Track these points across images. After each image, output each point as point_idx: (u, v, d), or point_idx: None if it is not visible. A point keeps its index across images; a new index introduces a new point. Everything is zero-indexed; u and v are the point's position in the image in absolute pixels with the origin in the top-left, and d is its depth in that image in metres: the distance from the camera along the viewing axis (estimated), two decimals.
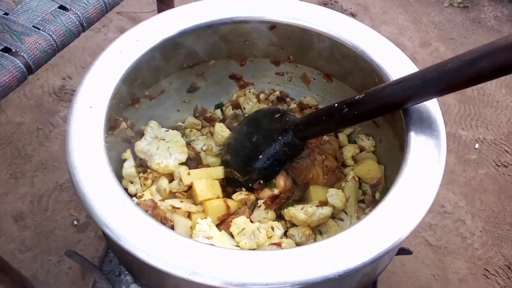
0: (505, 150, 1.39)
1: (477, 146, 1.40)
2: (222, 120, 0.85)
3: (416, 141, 0.59)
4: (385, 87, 0.60)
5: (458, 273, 1.15)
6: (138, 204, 0.64)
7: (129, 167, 0.72)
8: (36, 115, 1.35)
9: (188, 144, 0.80)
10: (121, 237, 0.47)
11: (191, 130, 0.83)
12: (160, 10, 1.11)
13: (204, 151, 0.80)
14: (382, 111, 0.62)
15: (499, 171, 1.35)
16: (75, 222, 1.15)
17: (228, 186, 0.75)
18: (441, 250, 1.19)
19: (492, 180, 1.32)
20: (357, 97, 0.61)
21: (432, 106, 0.61)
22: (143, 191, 0.72)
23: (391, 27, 1.68)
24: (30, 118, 1.34)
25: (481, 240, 1.21)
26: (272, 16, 0.73)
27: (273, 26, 0.74)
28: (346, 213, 0.73)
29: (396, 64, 0.66)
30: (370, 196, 0.74)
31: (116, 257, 0.77)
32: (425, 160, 0.57)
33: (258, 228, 0.65)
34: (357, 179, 0.75)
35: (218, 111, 0.87)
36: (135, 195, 0.71)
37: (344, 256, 0.49)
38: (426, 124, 0.59)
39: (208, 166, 0.78)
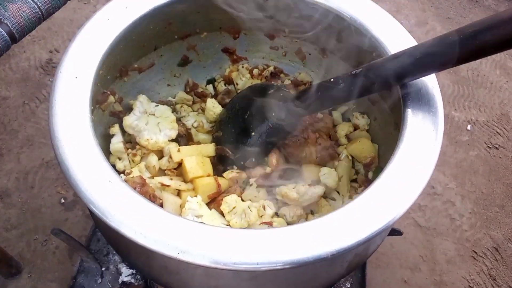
0: (497, 132, 1.39)
1: (469, 127, 1.40)
2: (214, 96, 0.83)
3: (413, 118, 0.57)
4: (383, 61, 0.58)
5: (446, 254, 1.16)
6: (126, 181, 0.62)
7: (117, 142, 0.69)
8: (22, 89, 1.31)
9: (179, 120, 0.78)
10: (107, 214, 0.45)
11: (181, 106, 0.81)
12: None
13: (195, 127, 0.78)
14: (380, 87, 0.60)
15: (490, 153, 1.35)
16: (62, 200, 1.13)
17: (219, 164, 0.73)
18: (429, 231, 1.19)
19: (482, 162, 1.32)
20: (354, 72, 0.59)
21: (430, 82, 0.59)
22: (132, 168, 0.70)
23: (388, 4, 1.65)
24: (16, 92, 1.30)
25: (470, 222, 1.22)
26: None
27: None
28: (338, 192, 0.72)
29: (395, 37, 0.64)
30: (363, 175, 0.73)
31: (103, 236, 0.75)
32: (422, 139, 0.56)
33: (249, 207, 0.63)
34: (350, 158, 0.74)
35: (210, 87, 0.84)
36: (123, 172, 0.69)
37: (336, 235, 0.48)
38: (424, 101, 0.57)
39: (199, 143, 0.76)
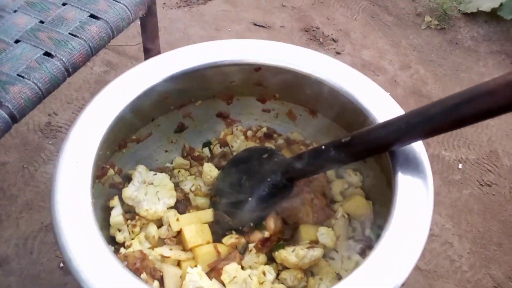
0: (488, 169, 1.42)
1: (460, 166, 1.43)
2: (210, 159, 0.86)
3: (404, 182, 0.60)
4: (371, 130, 0.61)
5: None
6: (126, 256, 0.63)
7: (116, 215, 0.71)
8: (21, 153, 1.33)
9: (177, 185, 0.80)
10: None
11: (179, 171, 0.83)
12: (144, 43, 1.12)
13: (193, 191, 0.80)
14: (369, 153, 0.63)
15: (483, 190, 1.37)
16: (61, 265, 1.13)
17: (218, 228, 0.74)
18: (430, 274, 1.20)
19: (476, 200, 1.35)
20: (343, 140, 0.62)
21: (417, 147, 0.62)
22: (132, 239, 0.71)
23: (371, 51, 1.72)
24: (15, 157, 1.32)
25: (469, 262, 1.22)
26: (256, 59, 0.74)
27: (258, 68, 0.75)
28: (337, 251, 0.73)
29: (380, 104, 0.68)
30: (360, 233, 0.75)
31: None
32: (414, 201, 0.59)
33: (249, 276, 0.64)
34: (346, 216, 0.76)
35: (206, 150, 0.87)
36: (123, 243, 0.70)
37: None
38: (412, 166, 0.60)
39: (197, 207, 0.78)
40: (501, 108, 0.50)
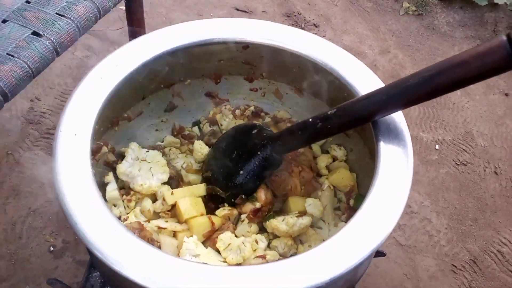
0: (463, 149, 1.49)
1: (437, 147, 1.49)
2: (200, 137, 0.88)
3: (386, 150, 0.64)
4: (354, 102, 0.64)
5: (428, 270, 1.22)
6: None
7: (112, 190, 0.73)
8: (4, 139, 1.33)
9: (168, 162, 0.82)
10: (117, 264, 0.49)
11: (170, 149, 0.85)
12: (130, 27, 1.13)
13: (184, 169, 0.82)
14: (353, 124, 0.67)
15: (458, 169, 1.44)
16: (52, 248, 1.14)
17: (211, 202, 0.77)
18: (410, 249, 1.25)
19: (453, 178, 1.41)
20: (329, 112, 0.66)
21: (397, 117, 0.66)
22: (127, 213, 0.73)
23: (352, 36, 1.76)
24: None
25: (447, 237, 1.29)
26: (244, 37, 0.77)
27: (246, 46, 0.77)
28: (324, 221, 0.77)
29: (362, 78, 0.71)
30: (345, 203, 0.79)
31: (109, 285, 0.77)
32: (395, 168, 0.62)
33: (243, 243, 0.67)
34: (332, 188, 0.79)
35: (196, 129, 0.89)
36: (119, 218, 0.72)
37: (328, 265, 0.53)
38: (393, 135, 0.64)
39: (189, 183, 0.80)
40: (472, 78, 0.54)
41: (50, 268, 1.11)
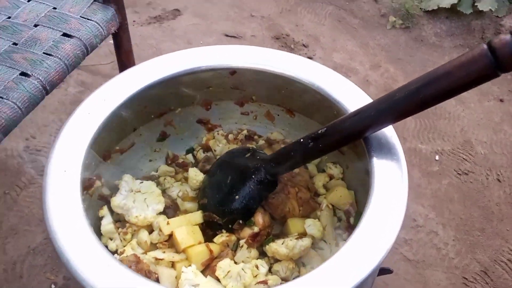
0: (464, 159, 1.48)
1: (437, 157, 1.48)
2: (195, 164, 0.87)
3: (379, 166, 0.63)
4: (344, 120, 0.64)
5: (439, 284, 1.18)
6: (120, 260, 0.64)
7: (107, 224, 0.72)
8: (1, 179, 1.32)
9: (164, 192, 0.81)
10: None
11: (165, 178, 0.84)
12: (119, 61, 1.14)
13: (180, 197, 0.81)
14: (345, 142, 0.66)
15: (461, 179, 1.42)
16: (53, 286, 1.12)
17: (208, 229, 0.76)
18: (419, 264, 1.23)
19: (456, 189, 1.39)
20: (319, 131, 0.65)
21: (388, 132, 0.65)
22: (124, 246, 0.72)
23: (341, 53, 1.78)
24: None
25: (455, 249, 1.26)
26: (231, 63, 0.77)
27: (233, 71, 0.78)
28: (325, 241, 0.76)
29: (350, 96, 0.71)
30: (345, 221, 0.78)
31: None
32: (390, 182, 0.62)
33: (243, 269, 0.66)
34: (331, 207, 0.78)
35: (190, 156, 0.89)
36: (116, 251, 0.71)
37: (330, 285, 0.51)
38: (385, 149, 0.63)
39: (186, 211, 0.79)
40: (458, 88, 0.54)
41: None
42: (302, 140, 0.67)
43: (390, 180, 0.61)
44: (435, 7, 1.80)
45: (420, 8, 1.85)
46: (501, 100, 1.66)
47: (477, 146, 1.51)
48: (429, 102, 0.56)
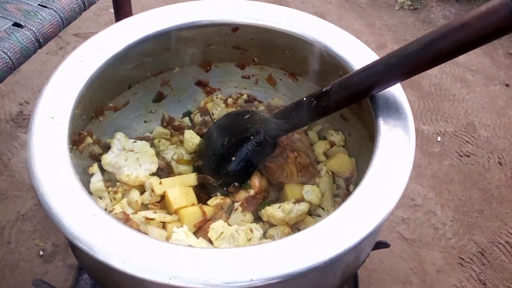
0: (466, 141, 1.45)
1: (439, 139, 1.45)
2: (191, 128, 0.84)
3: (385, 126, 0.60)
4: (351, 76, 0.61)
5: (434, 264, 1.17)
6: None
7: (96, 181, 0.69)
8: None
9: (158, 154, 0.78)
10: (93, 247, 0.45)
11: (159, 140, 0.81)
12: (117, 12, 1.09)
13: (175, 160, 0.78)
14: (350, 100, 0.63)
15: (462, 161, 1.40)
16: (41, 253, 1.09)
17: (202, 192, 0.73)
18: (416, 243, 1.21)
19: (456, 170, 1.37)
20: (324, 89, 0.62)
21: (397, 91, 0.62)
22: (114, 206, 0.69)
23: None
24: None
25: (453, 229, 1.24)
26: (234, 18, 0.73)
27: (235, 28, 0.74)
28: (323, 208, 0.73)
29: (358, 54, 0.68)
30: (345, 189, 0.75)
31: (89, 276, 0.73)
32: (396, 144, 0.58)
33: (236, 231, 0.63)
34: (330, 173, 0.75)
35: (187, 119, 0.85)
36: (105, 210, 0.68)
37: (327, 244, 0.48)
38: (393, 109, 0.60)
39: (180, 174, 0.76)
40: (475, 40, 0.50)
41: (40, 273, 1.06)
42: (305, 99, 0.63)
43: (396, 143, 0.58)
44: None
45: None
46: (507, 85, 1.62)
47: (480, 129, 1.48)
48: (443, 56, 0.52)
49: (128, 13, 1.06)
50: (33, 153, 0.51)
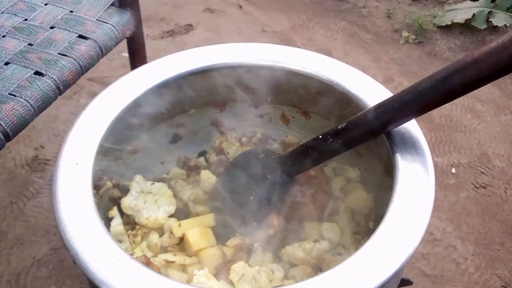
0: (481, 172, 1.43)
1: (453, 170, 1.44)
2: (207, 168, 0.85)
3: (403, 162, 0.60)
4: (366, 114, 0.61)
5: None
6: None
7: (116, 225, 0.69)
8: (9, 188, 1.30)
9: (175, 195, 0.78)
10: None
11: (176, 181, 0.82)
12: (133, 67, 1.13)
13: (191, 200, 0.78)
14: (366, 137, 0.64)
15: (478, 192, 1.38)
16: None
17: (221, 233, 0.73)
18: (438, 279, 1.17)
19: (474, 202, 1.35)
20: (339, 126, 0.63)
21: (412, 126, 0.63)
22: (133, 249, 0.69)
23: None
24: (3, 193, 1.29)
25: (475, 264, 1.21)
26: (246, 61, 0.75)
27: (249, 70, 0.76)
28: (343, 247, 0.72)
29: (371, 91, 0.69)
30: (364, 226, 0.74)
31: None
32: (415, 179, 0.58)
33: (258, 272, 0.63)
34: (349, 210, 0.75)
35: (202, 159, 0.86)
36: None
37: (352, 285, 0.48)
38: (409, 144, 0.60)
39: (197, 215, 0.76)
40: (487, 76, 0.51)
41: None
42: (321, 136, 0.64)
43: (415, 178, 0.58)
44: (449, 23, 1.80)
45: (434, 24, 1.85)
46: None
47: (494, 159, 1.47)
48: (456, 92, 0.53)
49: (143, 58, 1.09)
50: (59, 199, 0.52)
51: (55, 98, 0.83)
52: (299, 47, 1.81)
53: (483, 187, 1.39)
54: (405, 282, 0.84)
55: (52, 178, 0.54)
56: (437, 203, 1.34)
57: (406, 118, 0.59)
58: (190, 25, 1.91)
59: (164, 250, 0.70)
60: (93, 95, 1.62)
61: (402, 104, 0.57)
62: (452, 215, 1.31)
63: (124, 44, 1.05)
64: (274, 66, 0.75)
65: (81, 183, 0.54)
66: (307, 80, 0.74)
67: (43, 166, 1.37)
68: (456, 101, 1.67)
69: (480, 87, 0.54)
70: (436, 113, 1.61)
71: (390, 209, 0.55)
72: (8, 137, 0.74)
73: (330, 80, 0.71)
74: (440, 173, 1.42)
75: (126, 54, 1.20)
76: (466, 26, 1.81)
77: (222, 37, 1.84)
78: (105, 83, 1.66)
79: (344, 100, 0.71)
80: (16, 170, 1.36)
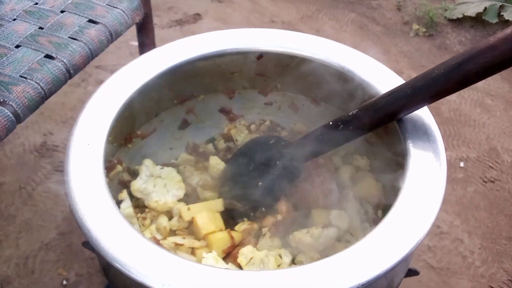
0: (490, 166, 1.43)
1: (462, 164, 1.43)
2: (215, 154, 0.85)
3: (415, 148, 0.60)
4: (377, 100, 0.61)
5: None
6: None
7: (126, 207, 0.70)
8: (17, 173, 1.31)
9: (184, 180, 0.79)
10: (131, 269, 0.45)
11: (185, 167, 0.82)
12: (141, 51, 1.13)
13: (200, 185, 0.79)
14: (378, 124, 0.63)
15: (487, 187, 1.37)
16: (65, 282, 1.09)
17: (230, 218, 0.73)
18: (443, 271, 1.17)
19: (481, 196, 1.34)
20: (351, 113, 0.63)
21: (424, 114, 0.62)
22: (143, 232, 0.69)
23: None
24: (11, 178, 1.30)
25: (481, 257, 1.20)
26: (258, 46, 0.75)
27: (260, 55, 0.76)
28: (351, 234, 0.72)
29: (382, 78, 0.68)
30: (373, 214, 0.74)
31: None
32: (426, 166, 0.58)
33: (266, 256, 0.63)
34: (357, 198, 0.75)
35: (211, 146, 0.87)
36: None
37: (358, 269, 0.48)
38: (421, 131, 0.60)
39: (206, 200, 0.77)
40: (503, 62, 0.51)
41: None
42: (331, 123, 0.64)
43: (426, 166, 0.58)
44: (460, 16, 1.78)
45: (445, 17, 1.83)
46: None
47: (503, 154, 1.46)
48: (470, 79, 0.53)
49: (152, 44, 1.09)
50: (71, 177, 0.53)
51: (65, 82, 0.83)
52: None
53: (492, 181, 1.38)
54: (412, 272, 0.84)
55: (61, 163, 0.54)
56: (445, 197, 1.32)
57: (419, 104, 0.59)
58: (198, 14, 1.90)
59: (173, 233, 0.71)
60: (100, 82, 1.60)
61: (415, 90, 0.56)
62: (460, 208, 1.31)
63: (132, 33, 1.05)
64: (285, 53, 0.74)
65: (93, 163, 0.55)
66: (317, 67, 0.73)
67: (51, 152, 1.38)
68: (466, 95, 1.65)
69: (494, 73, 0.54)
70: (445, 106, 1.60)
71: (400, 197, 0.55)
72: (19, 119, 0.74)
73: (342, 66, 0.71)
74: (449, 166, 1.41)
75: (134, 43, 1.20)
76: (477, 20, 1.79)
77: (230, 26, 1.83)
78: (113, 71, 1.64)
79: (354, 88, 0.70)
80: (25, 155, 1.36)
